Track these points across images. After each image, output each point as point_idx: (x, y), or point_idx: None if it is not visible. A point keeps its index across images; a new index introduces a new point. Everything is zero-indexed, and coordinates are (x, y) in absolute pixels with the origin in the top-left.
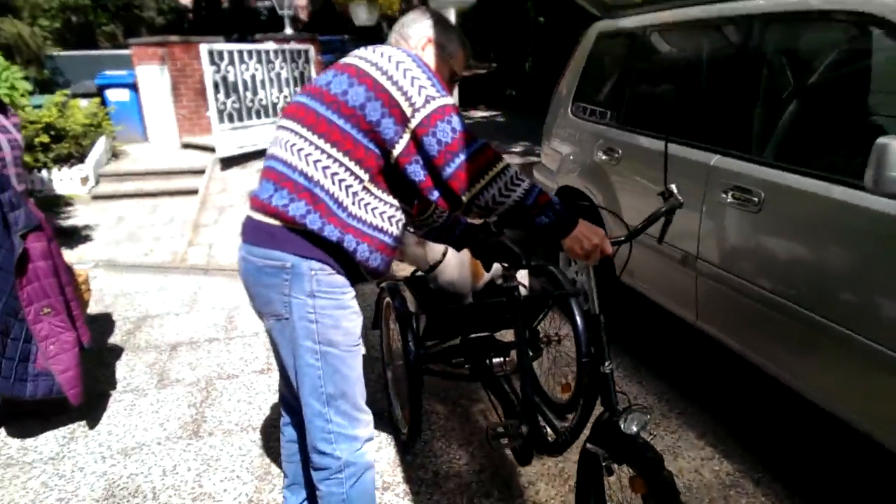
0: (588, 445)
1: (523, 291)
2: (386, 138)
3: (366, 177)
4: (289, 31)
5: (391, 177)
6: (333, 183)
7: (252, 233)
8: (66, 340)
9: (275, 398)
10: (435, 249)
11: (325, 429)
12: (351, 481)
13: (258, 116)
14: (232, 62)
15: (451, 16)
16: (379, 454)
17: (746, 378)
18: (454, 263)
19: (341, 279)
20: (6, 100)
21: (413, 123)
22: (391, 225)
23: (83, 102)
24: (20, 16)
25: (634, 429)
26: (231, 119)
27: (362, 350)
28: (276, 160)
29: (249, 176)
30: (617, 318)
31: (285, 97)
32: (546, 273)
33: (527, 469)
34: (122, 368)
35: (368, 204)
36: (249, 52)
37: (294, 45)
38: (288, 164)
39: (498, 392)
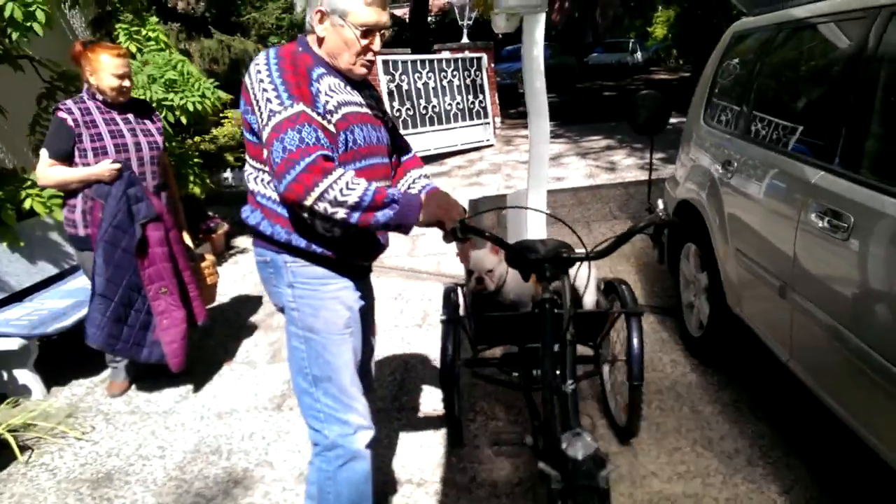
0: (541, 465)
1: (589, 306)
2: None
3: None
4: (465, 40)
5: None
6: (265, 186)
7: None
8: (176, 317)
9: None
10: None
11: (313, 406)
12: (337, 462)
13: (430, 123)
14: (406, 72)
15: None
16: (428, 451)
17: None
18: (514, 272)
19: (321, 271)
20: (199, 107)
21: (263, 138)
22: None
23: None
24: (248, 35)
25: (579, 455)
26: (405, 125)
27: (351, 341)
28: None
29: None
30: (730, 348)
31: (458, 104)
32: (615, 290)
33: None
34: (247, 343)
35: None
36: (423, 62)
37: (468, 54)
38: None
39: (532, 403)
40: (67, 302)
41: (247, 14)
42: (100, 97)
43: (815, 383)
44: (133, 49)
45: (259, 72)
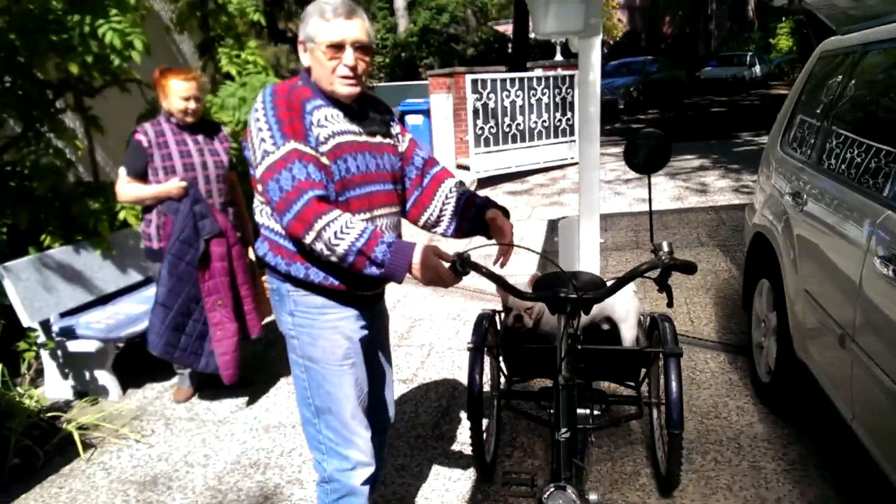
0: None
1: (627, 343)
2: None
3: None
4: (559, 57)
5: None
6: (268, 218)
7: None
8: (229, 329)
9: (403, 406)
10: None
11: (316, 437)
12: (334, 496)
13: (513, 141)
14: (494, 90)
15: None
16: (455, 485)
17: None
18: None
19: (321, 300)
20: None
21: (258, 175)
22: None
23: None
24: None
25: None
26: (487, 143)
27: (352, 372)
28: None
29: (496, 198)
30: (798, 397)
31: (543, 122)
32: (656, 326)
33: None
34: None
35: None
36: (512, 80)
37: (560, 72)
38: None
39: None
40: (143, 308)
41: None
42: (173, 119)
43: (878, 453)
44: (233, 72)
45: (256, 110)
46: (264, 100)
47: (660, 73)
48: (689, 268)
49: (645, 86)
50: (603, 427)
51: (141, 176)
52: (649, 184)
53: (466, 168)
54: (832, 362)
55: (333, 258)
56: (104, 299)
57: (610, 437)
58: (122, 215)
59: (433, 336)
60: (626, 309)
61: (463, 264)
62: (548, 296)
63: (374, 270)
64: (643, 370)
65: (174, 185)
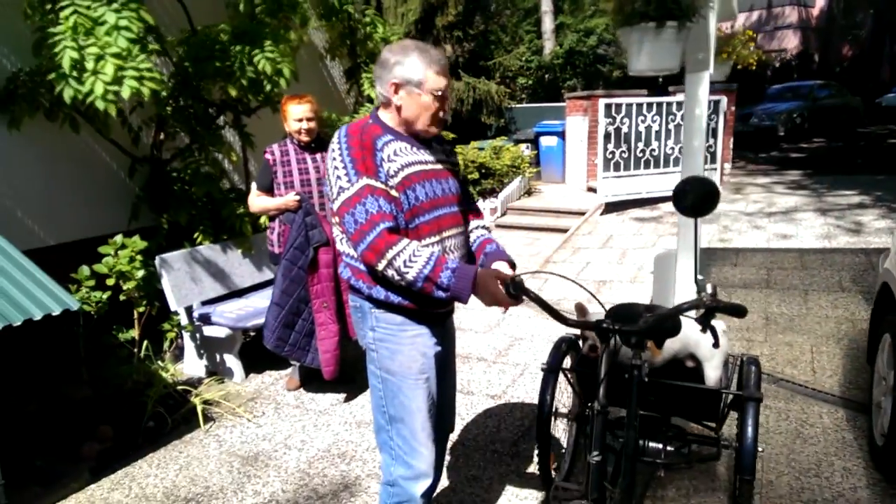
0: None
1: (711, 383)
2: None
3: None
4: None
5: None
6: (348, 247)
7: None
8: (331, 330)
9: (486, 420)
10: None
11: (388, 443)
12: (394, 500)
13: (646, 167)
14: (628, 114)
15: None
16: (523, 503)
17: None
18: None
19: (400, 318)
20: None
21: (335, 209)
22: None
23: (523, 147)
24: (492, 76)
25: None
26: (617, 168)
27: (426, 386)
28: None
29: (622, 223)
30: None
31: (681, 148)
32: (742, 368)
33: None
34: None
35: None
36: (649, 105)
37: None
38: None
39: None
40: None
41: (498, 57)
42: (295, 140)
43: None
44: (373, 95)
45: (332, 150)
46: (339, 140)
47: (831, 99)
48: (735, 311)
49: (811, 112)
50: (674, 464)
51: (268, 190)
52: (695, 227)
53: (595, 191)
54: None
55: (403, 283)
56: (239, 292)
57: (691, 479)
58: (262, 220)
59: (529, 356)
60: (710, 347)
61: (515, 288)
62: (589, 324)
63: (440, 294)
64: (724, 412)
65: (290, 198)
